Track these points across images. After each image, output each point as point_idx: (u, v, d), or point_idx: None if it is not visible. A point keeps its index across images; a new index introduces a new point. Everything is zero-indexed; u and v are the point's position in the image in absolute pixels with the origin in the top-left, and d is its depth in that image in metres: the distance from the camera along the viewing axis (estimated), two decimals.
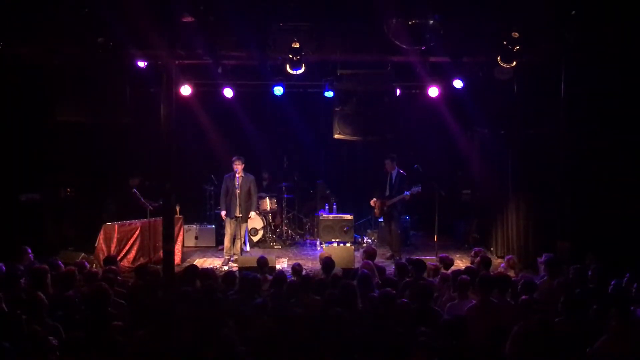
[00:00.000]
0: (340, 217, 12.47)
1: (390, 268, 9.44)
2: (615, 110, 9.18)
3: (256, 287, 6.98)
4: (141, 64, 10.24)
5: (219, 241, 12.26)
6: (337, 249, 10.87)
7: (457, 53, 9.85)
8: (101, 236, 10.34)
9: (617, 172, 9.23)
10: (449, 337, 5.18)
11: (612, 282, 6.81)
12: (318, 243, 12.46)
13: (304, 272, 8.29)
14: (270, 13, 9.32)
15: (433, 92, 11.59)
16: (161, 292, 7.09)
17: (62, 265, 7.82)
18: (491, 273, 7.80)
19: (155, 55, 9.57)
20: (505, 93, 10.88)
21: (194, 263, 10.32)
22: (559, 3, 8.81)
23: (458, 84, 10.91)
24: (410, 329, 5.55)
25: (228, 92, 11.85)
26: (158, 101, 8.36)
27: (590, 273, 7.40)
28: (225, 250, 11.27)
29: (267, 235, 12.96)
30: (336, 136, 11.50)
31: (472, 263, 8.85)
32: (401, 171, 11.72)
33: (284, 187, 13.30)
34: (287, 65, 9.64)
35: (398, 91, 11.84)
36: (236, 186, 11.12)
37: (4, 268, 7.26)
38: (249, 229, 12.37)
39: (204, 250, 12.36)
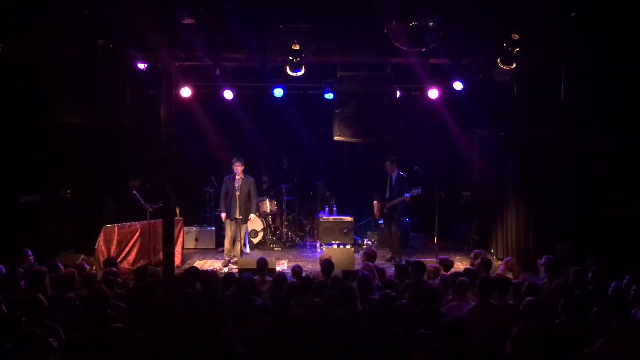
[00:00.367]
0: (340, 219, 12.47)
1: (390, 270, 9.44)
2: (615, 111, 9.18)
3: (253, 288, 6.98)
4: (141, 65, 10.24)
5: (219, 243, 12.26)
6: (337, 251, 10.87)
7: (457, 55, 9.85)
8: (101, 238, 10.34)
9: (617, 173, 9.24)
10: (449, 338, 5.17)
11: (612, 284, 6.81)
12: (318, 245, 12.46)
13: (303, 274, 8.29)
14: (270, 15, 9.32)
15: (433, 93, 11.60)
16: (161, 293, 7.08)
17: (62, 267, 7.82)
18: (491, 275, 7.80)
19: (155, 57, 9.57)
20: (505, 94, 10.89)
21: (194, 265, 10.31)
22: (559, 4, 8.81)
23: (458, 85, 10.91)
24: (410, 331, 5.55)
25: (228, 94, 11.86)
26: (158, 103, 8.32)
27: (590, 275, 7.40)
28: (225, 252, 11.27)
29: (267, 237, 12.95)
30: (336, 138, 11.50)
31: (471, 265, 8.85)
32: (401, 173, 11.72)
33: (284, 189, 13.30)
34: (287, 67, 9.64)
35: (398, 93, 11.83)
36: (236, 188, 11.12)
37: (4, 270, 7.26)
38: (249, 230, 12.37)
39: (203, 252, 12.36)
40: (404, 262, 9.08)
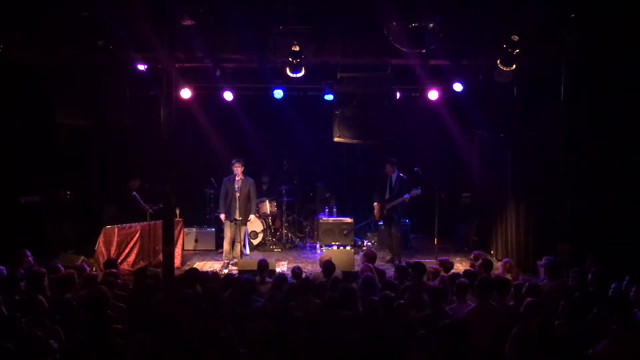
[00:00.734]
0: (340, 220, 12.47)
1: (390, 271, 9.44)
2: (615, 111, 9.19)
3: (253, 289, 6.97)
4: (141, 66, 10.24)
5: (219, 244, 12.25)
6: (337, 252, 10.85)
7: (457, 56, 9.85)
8: (101, 239, 10.34)
9: (617, 174, 9.24)
10: (451, 340, 5.17)
11: (612, 285, 6.81)
12: (318, 246, 12.46)
13: (303, 275, 8.29)
14: (270, 16, 9.32)
15: (433, 95, 11.59)
16: (161, 295, 7.08)
17: (62, 268, 7.82)
18: (491, 276, 7.79)
19: (155, 58, 9.56)
20: (505, 96, 10.89)
21: (194, 266, 10.31)
22: (559, 5, 8.82)
23: (458, 87, 10.91)
24: (410, 332, 5.54)
25: (228, 95, 11.85)
26: (158, 104, 8.35)
27: (590, 276, 7.40)
28: (224, 254, 11.25)
29: (267, 238, 12.95)
30: (336, 139, 11.51)
31: (471, 266, 8.84)
32: (401, 174, 11.72)
33: (283, 190, 13.29)
34: (287, 68, 9.64)
35: (398, 94, 11.85)
36: (236, 189, 11.12)
37: (4, 272, 7.26)
38: (249, 232, 12.36)
39: (203, 254, 12.35)
40: (404, 264, 9.08)
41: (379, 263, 9.95)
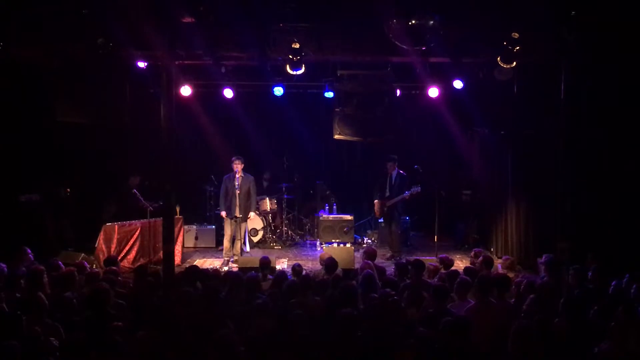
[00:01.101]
0: (340, 217, 12.48)
1: (390, 268, 9.44)
2: (615, 109, 9.18)
3: (258, 287, 6.98)
4: (141, 64, 10.23)
5: (219, 242, 12.26)
6: (337, 250, 10.87)
7: (457, 53, 9.84)
8: (101, 237, 10.34)
9: (618, 172, 9.23)
10: (451, 337, 5.17)
11: (613, 283, 6.81)
12: (318, 243, 12.46)
13: (304, 273, 8.29)
14: (270, 13, 9.31)
15: (433, 92, 11.58)
16: (161, 292, 7.09)
17: (62, 266, 7.82)
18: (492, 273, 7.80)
19: (155, 56, 9.55)
20: (505, 93, 10.87)
21: (194, 264, 10.32)
22: (559, 3, 8.81)
23: (458, 84, 10.90)
24: (410, 330, 5.54)
25: (228, 93, 11.85)
26: (158, 101, 8.33)
27: (590, 274, 7.40)
28: (224, 251, 11.26)
29: (267, 235, 12.96)
30: (336, 137, 11.50)
31: (472, 264, 8.84)
32: (401, 172, 11.73)
33: (284, 188, 13.30)
34: (287, 66, 9.62)
35: (398, 92, 11.84)
36: (236, 186, 11.12)
37: (5, 269, 7.26)
38: (249, 229, 12.37)
39: (203, 251, 12.37)
40: (404, 261, 9.08)
41: (379, 260, 9.95)
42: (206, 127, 13.43)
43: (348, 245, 11.81)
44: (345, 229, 12.28)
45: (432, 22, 8.48)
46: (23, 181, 11.03)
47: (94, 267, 9.57)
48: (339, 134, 11.43)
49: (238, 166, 11.12)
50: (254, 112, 13.49)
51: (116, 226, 10.48)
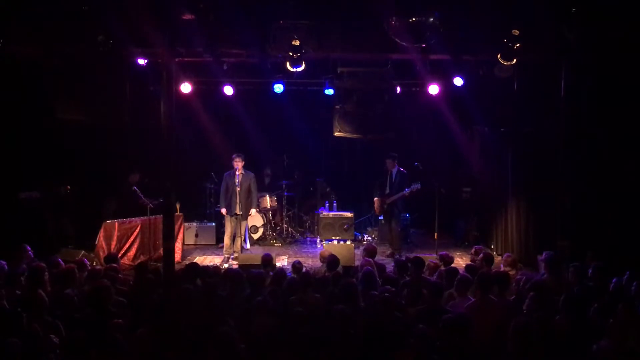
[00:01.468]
0: (341, 214, 12.48)
1: (390, 266, 9.44)
2: (616, 107, 9.17)
3: (262, 284, 6.99)
4: (141, 61, 10.23)
5: (219, 239, 12.26)
6: (338, 247, 10.87)
7: (458, 51, 9.84)
8: (101, 234, 10.33)
9: (618, 170, 9.23)
10: (450, 335, 5.17)
11: (613, 281, 6.80)
12: (318, 241, 12.47)
13: (304, 270, 8.29)
14: (271, 10, 9.31)
15: (433, 89, 11.58)
16: (161, 289, 7.08)
17: (62, 263, 7.82)
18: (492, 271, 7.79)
19: (155, 53, 9.55)
20: (505, 91, 10.87)
21: (195, 261, 10.32)
22: (559, 0, 8.80)
23: (458, 81, 10.89)
24: (410, 327, 5.55)
25: (228, 90, 11.84)
26: (158, 99, 8.32)
27: (590, 271, 7.39)
28: (225, 249, 11.26)
29: (268, 232, 12.96)
30: (336, 134, 11.50)
31: (472, 261, 8.84)
32: (401, 169, 11.73)
33: (284, 185, 13.30)
34: (287, 63, 9.63)
35: (398, 89, 11.83)
36: (236, 184, 11.12)
37: (6, 266, 7.27)
38: (249, 226, 12.37)
39: (204, 248, 12.37)
40: (403, 258, 9.08)
41: (379, 258, 9.94)
42: (206, 125, 13.42)
43: (348, 242, 11.83)
44: (345, 226, 12.29)
45: (432, 19, 8.49)
46: (23, 179, 11.03)
47: (94, 264, 9.57)
48: (339, 132, 11.43)
49: (238, 164, 11.12)
50: (254, 110, 13.49)
51: (116, 223, 10.47)
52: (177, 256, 10.60)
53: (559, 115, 9.59)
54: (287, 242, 12.93)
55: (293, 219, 13.64)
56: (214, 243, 12.57)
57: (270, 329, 5.48)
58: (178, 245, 10.86)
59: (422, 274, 7.85)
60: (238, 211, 11.14)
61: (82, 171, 12.10)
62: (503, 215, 11.61)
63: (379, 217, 12.63)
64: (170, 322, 5.61)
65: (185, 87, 11.56)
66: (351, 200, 13.52)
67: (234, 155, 11.22)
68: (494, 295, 6.39)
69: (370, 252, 8.77)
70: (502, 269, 8.32)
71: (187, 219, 12.27)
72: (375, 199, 11.93)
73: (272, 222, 13.22)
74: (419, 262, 7.79)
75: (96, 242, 10.36)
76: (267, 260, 8.41)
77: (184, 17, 8.83)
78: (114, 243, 10.33)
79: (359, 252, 10.36)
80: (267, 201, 13.00)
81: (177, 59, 9.52)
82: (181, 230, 11.37)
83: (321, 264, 8.92)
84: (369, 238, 13.08)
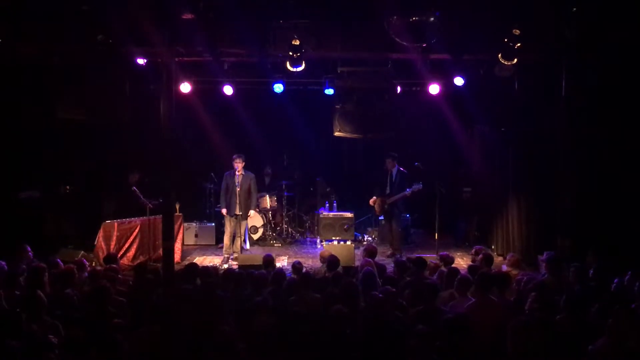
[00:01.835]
0: (341, 215, 12.45)
1: (391, 266, 9.42)
2: (616, 107, 9.16)
3: (264, 284, 6.97)
4: (141, 61, 10.20)
5: (219, 239, 12.24)
6: (338, 247, 10.84)
7: (458, 50, 9.82)
8: (101, 234, 10.31)
9: (619, 170, 9.21)
10: (450, 335, 5.15)
11: (615, 281, 6.79)
12: (318, 241, 12.44)
13: (304, 270, 8.28)
14: (271, 10, 9.30)
15: (434, 89, 11.55)
16: (161, 290, 7.07)
17: (61, 264, 7.80)
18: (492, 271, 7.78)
19: (155, 53, 9.54)
20: (506, 90, 10.85)
21: (194, 261, 10.31)
22: (560, 0, 8.79)
23: (459, 81, 10.87)
24: (410, 327, 5.53)
25: (228, 90, 11.82)
26: (158, 98, 8.33)
27: (591, 271, 7.37)
28: (224, 249, 11.24)
29: (267, 233, 12.93)
30: (336, 134, 11.49)
31: (473, 261, 8.83)
32: (401, 169, 11.70)
33: (284, 185, 13.27)
34: (287, 63, 9.61)
35: (398, 88, 11.80)
36: (236, 184, 11.10)
37: (5, 267, 7.25)
38: (249, 227, 12.35)
39: (203, 248, 12.35)
40: (404, 259, 9.06)
41: (379, 258, 9.92)
42: (206, 124, 13.39)
43: (348, 242, 11.80)
44: (345, 227, 12.26)
45: (432, 18, 8.47)
46: (23, 178, 11.00)
47: (94, 264, 9.56)
48: (339, 131, 11.42)
49: (239, 165, 11.11)
50: (254, 109, 13.45)
51: (116, 224, 10.45)
52: (177, 256, 10.58)
53: (559, 115, 9.57)
54: (287, 243, 12.91)
55: (293, 219, 13.62)
56: (214, 243, 12.55)
57: (270, 329, 5.46)
58: (177, 246, 10.84)
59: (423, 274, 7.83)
60: (238, 211, 11.12)
61: (81, 171, 12.08)
62: (504, 215, 11.58)
63: (380, 217, 12.61)
64: (170, 322, 5.59)
65: (185, 87, 11.53)
66: (351, 200, 13.50)
67: (234, 156, 11.19)
68: (494, 295, 6.38)
69: (370, 252, 8.75)
70: (506, 269, 8.31)
71: (187, 219, 12.25)
72: (374, 198, 11.89)
73: (272, 222, 13.19)
74: (421, 262, 7.77)
75: (95, 243, 10.34)
76: (269, 261, 8.39)
77: (184, 17, 8.82)
78: (113, 243, 10.31)
79: (359, 252, 10.34)
80: (267, 201, 12.97)
81: (176, 59, 9.50)
82: (181, 231, 11.35)
83: (321, 264, 8.89)
84: (369, 238, 13.06)
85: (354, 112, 11.19)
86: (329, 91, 11.57)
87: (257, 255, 9.76)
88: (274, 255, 9.91)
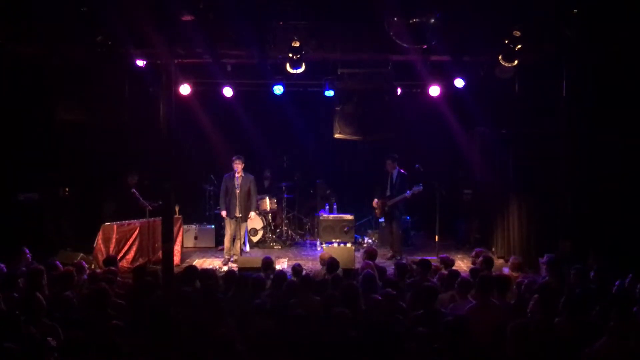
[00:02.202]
0: (341, 217, 12.41)
1: (391, 268, 9.39)
2: (617, 108, 9.15)
3: (263, 287, 6.95)
4: (140, 62, 10.20)
5: (219, 241, 12.22)
6: (338, 249, 10.82)
7: (458, 52, 9.82)
8: (100, 236, 10.28)
9: (619, 171, 9.20)
10: (450, 337, 5.13)
11: (616, 283, 6.76)
12: (318, 243, 12.41)
13: (304, 273, 8.25)
14: (271, 11, 9.30)
15: (434, 91, 11.54)
16: (160, 292, 7.04)
17: (60, 266, 7.78)
18: (493, 273, 7.76)
19: (155, 54, 9.54)
20: (506, 92, 10.85)
21: (194, 263, 10.27)
22: (560, 1, 8.79)
23: (459, 82, 10.87)
24: (410, 330, 5.51)
25: (228, 91, 11.80)
26: (157, 100, 8.30)
27: (592, 274, 7.35)
28: (225, 251, 11.22)
29: (267, 235, 12.90)
30: (336, 135, 11.47)
31: (473, 264, 8.80)
32: (402, 171, 11.68)
33: (284, 187, 13.25)
34: (287, 64, 9.61)
35: (399, 90, 11.80)
36: (236, 186, 11.08)
37: (4, 269, 7.22)
38: (249, 229, 12.32)
39: (203, 251, 12.31)
40: (404, 261, 9.04)
41: (379, 260, 9.90)
42: (205, 126, 13.37)
43: (348, 245, 11.75)
44: (345, 229, 12.21)
45: (432, 20, 8.45)
46: (22, 180, 10.98)
47: (93, 267, 9.53)
48: (340, 133, 11.40)
49: (238, 166, 11.08)
50: (254, 111, 13.44)
51: (115, 226, 10.43)
52: (176, 259, 10.55)
53: (560, 116, 9.56)
54: (286, 245, 12.88)
55: (293, 221, 13.59)
56: (213, 246, 12.52)
57: (270, 332, 5.44)
58: (177, 248, 10.81)
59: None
60: (238, 214, 11.09)
61: (81, 173, 12.06)
62: (504, 217, 11.56)
63: (380, 220, 12.58)
64: (169, 324, 5.56)
65: (185, 89, 11.52)
66: (351, 203, 13.47)
67: (234, 158, 11.17)
68: (494, 297, 6.36)
69: (370, 254, 8.73)
70: (508, 272, 8.29)
71: (187, 221, 12.22)
72: (376, 201, 11.86)
73: (272, 224, 13.16)
74: (426, 264, 7.75)
75: (95, 245, 10.32)
76: (268, 264, 8.36)
77: (184, 18, 8.81)
78: (112, 245, 10.29)
79: (359, 254, 10.32)
80: (267, 203, 12.94)
81: (176, 60, 9.48)
82: (180, 233, 11.32)
83: (321, 266, 8.87)
84: (370, 240, 13.03)
85: (354, 113, 11.18)
86: (329, 93, 11.57)
87: (257, 257, 9.73)
88: (273, 257, 9.89)
